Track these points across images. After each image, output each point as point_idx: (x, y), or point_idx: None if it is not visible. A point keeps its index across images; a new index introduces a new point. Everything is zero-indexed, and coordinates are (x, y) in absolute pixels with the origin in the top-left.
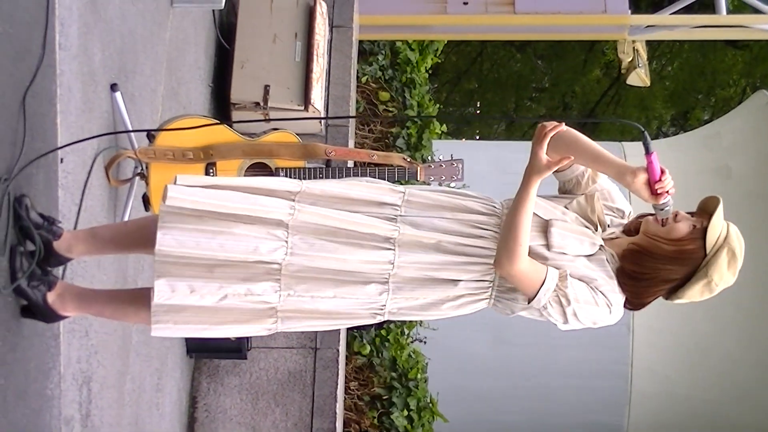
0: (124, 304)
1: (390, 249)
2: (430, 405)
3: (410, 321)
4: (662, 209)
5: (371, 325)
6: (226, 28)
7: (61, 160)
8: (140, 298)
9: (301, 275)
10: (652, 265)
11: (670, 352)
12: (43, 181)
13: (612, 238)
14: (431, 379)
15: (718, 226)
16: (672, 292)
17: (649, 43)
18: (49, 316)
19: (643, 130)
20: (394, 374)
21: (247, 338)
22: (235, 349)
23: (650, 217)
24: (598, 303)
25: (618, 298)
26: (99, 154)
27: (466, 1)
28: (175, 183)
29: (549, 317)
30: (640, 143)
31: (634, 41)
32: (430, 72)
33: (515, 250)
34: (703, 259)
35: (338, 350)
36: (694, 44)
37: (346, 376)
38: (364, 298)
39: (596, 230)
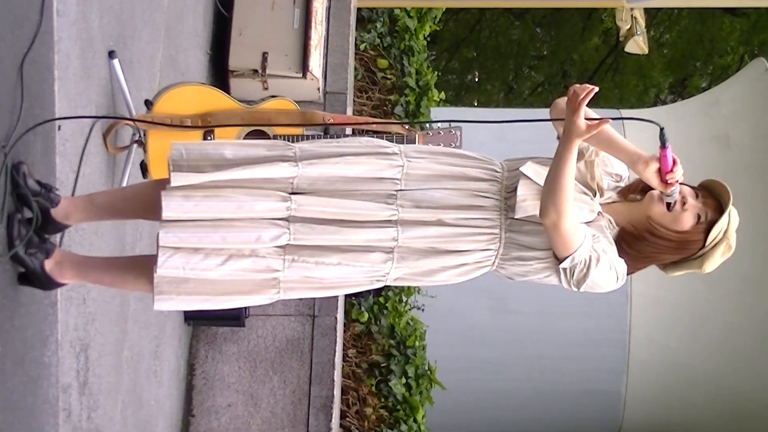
0: (123, 272)
1: (392, 227)
2: (429, 372)
3: (408, 288)
4: (669, 195)
5: (370, 292)
6: None
7: (59, 127)
8: (139, 266)
9: (306, 244)
10: (645, 248)
11: (668, 321)
12: (41, 148)
13: (609, 203)
14: (429, 346)
15: (723, 223)
16: (663, 267)
17: (647, 10)
18: (47, 283)
19: (662, 128)
20: (392, 342)
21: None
22: (234, 316)
23: (655, 194)
24: (611, 267)
25: (622, 263)
26: (97, 122)
27: None
28: (169, 171)
29: (558, 281)
30: (641, 110)
31: (632, 9)
32: (428, 39)
33: (563, 204)
34: (700, 250)
35: (336, 318)
36: (692, 12)
37: (344, 344)
38: (368, 266)
39: (594, 196)
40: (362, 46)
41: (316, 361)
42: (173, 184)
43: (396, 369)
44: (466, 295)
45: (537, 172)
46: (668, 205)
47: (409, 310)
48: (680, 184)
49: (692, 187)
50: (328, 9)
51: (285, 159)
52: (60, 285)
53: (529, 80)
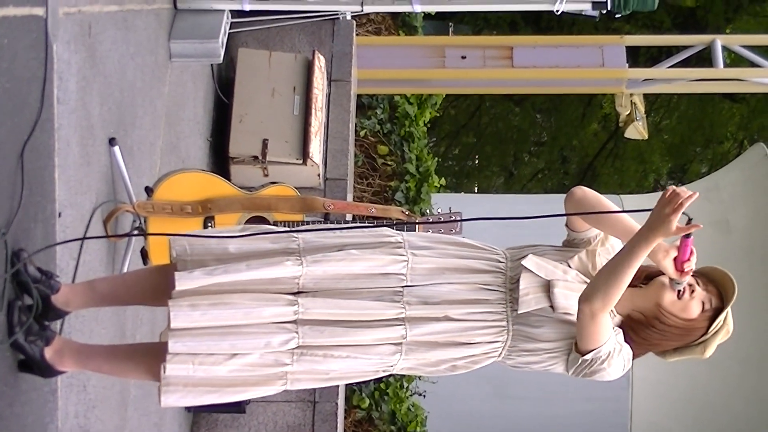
0: (124, 360)
1: (400, 325)
2: None
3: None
4: (679, 283)
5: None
6: (224, 82)
7: (59, 214)
8: (140, 354)
9: (315, 343)
10: (652, 336)
11: (670, 405)
12: (41, 235)
13: None
14: None
15: (727, 313)
16: (662, 353)
17: (646, 96)
18: (47, 371)
19: (690, 218)
20: (393, 428)
21: None
22: (234, 403)
23: (666, 280)
24: (623, 357)
25: (628, 350)
26: (97, 209)
27: (464, 56)
28: (174, 287)
29: (563, 369)
30: (640, 195)
31: (631, 94)
32: (428, 126)
33: (613, 297)
34: (702, 336)
35: (337, 404)
36: (691, 97)
37: (345, 430)
38: (376, 358)
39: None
40: (362, 133)
41: None
42: (178, 287)
43: None
44: (468, 381)
45: (538, 265)
46: (678, 292)
47: (411, 395)
48: None
49: (693, 275)
50: (328, 96)
51: (289, 252)
52: (60, 373)
53: (530, 166)
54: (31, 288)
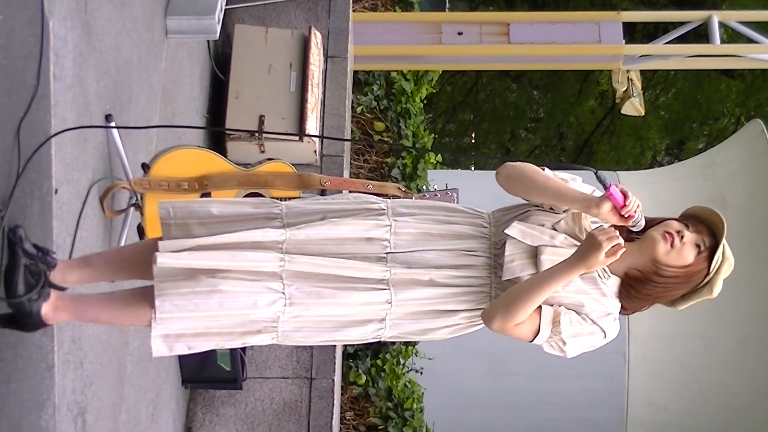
0: (121, 306)
1: (385, 289)
2: None
3: (406, 350)
4: (634, 226)
5: (367, 354)
6: (221, 58)
7: (56, 191)
8: (137, 299)
9: (298, 322)
10: (655, 290)
11: (666, 383)
12: (38, 212)
13: None
14: (427, 409)
15: (724, 247)
16: (671, 302)
17: (643, 72)
18: (35, 326)
19: (595, 171)
20: (389, 404)
21: (243, 368)
22: (231, 379)
23: (655, 235)
24: (592, 331)
25: (609, 320)
26: (93, 185)
27: (461, 32)
28: (160, 245)
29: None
30: (638, 172)
31: (628, 71)
32: (425, 102)
33: (514, 317)
34: (706, 276)
35: (333, 380)
36: (688, 74)
37: (341, 407)
38: (360, 337)
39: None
40: (359, 109)
41: (313, 423)
42: (161, 250)
43: (394, 431)
44: (464, 358)
45: (523, 232)
46: (671, 243)
47: (407, 372)
48: (670, 219)
49: (679, 220)
50: (325, 72)
51: (271, 217)
52: (45, 325)
53: (526, 142)
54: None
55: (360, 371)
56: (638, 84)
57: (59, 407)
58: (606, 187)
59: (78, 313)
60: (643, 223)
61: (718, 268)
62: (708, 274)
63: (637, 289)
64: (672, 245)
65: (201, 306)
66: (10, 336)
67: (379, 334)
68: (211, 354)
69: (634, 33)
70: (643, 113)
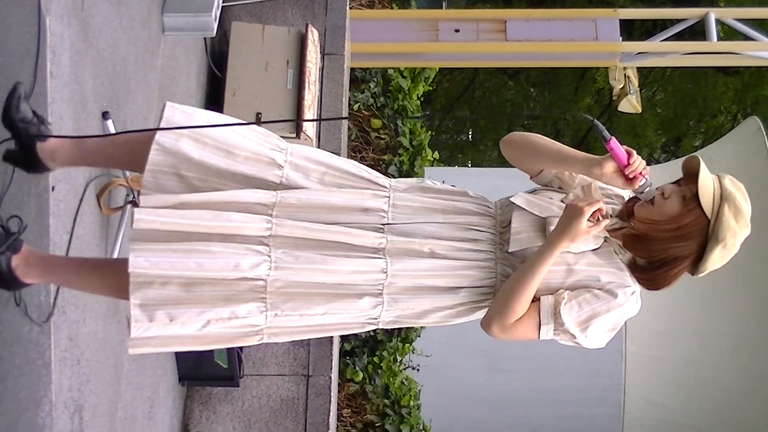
0: (91, 273)
1: (381, 258)
2: None
3: (403, 347)
4: (642, 192)
5: (364, 351)
6: (218, 56)
7: (53, 188)
8: (110, 268)
9: (288, 291)
10: (659, 247)
11: (663, 380)
12: (35, 209)
13: (615, 229)
14: (424, 406)
15: (707, 186)
16: (692, 267)
17: (640, 70)
18: (11, 283)
19: (593, 119)
20: (386, 401)
21: (240, 366)
22: (228, 376)
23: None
24: (610, 307)
25: (628, 292)
26: (90, 182)
27: (458, 29)
28: (140, 205)
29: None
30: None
31: (625, 68)
32: (422, 99)
33: (512, 312)
34: (709, 225)
35: (330, 377)
36: (685, 71)
37: (338, 404)
38: (356, 312)
39: (597, 222)
40: (356, 107)
41: (310, 421)
42: (141, 204)
43: (391, 429)
44: (461, 355)
45: (529, 201)
46: (652, 202)
47: (404, 369)
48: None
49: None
50: (322, 69)
51: (269, 186)
52: (24, 285)
53: None
54: (18, 127)
55: (357, 368)
56: (635, 81)
57: (56, 404)
58: (606, 141)
59: (47, 273)
60: (652, 190)
61: (719, 210)
62: (709, 222)
63: (638, 248)
64: (653, 203)
65: (177, 265)
66: (7, 333)
67: (377, 314)
68: (207, 351)
69: (631, 30)
70: (640, 110)
